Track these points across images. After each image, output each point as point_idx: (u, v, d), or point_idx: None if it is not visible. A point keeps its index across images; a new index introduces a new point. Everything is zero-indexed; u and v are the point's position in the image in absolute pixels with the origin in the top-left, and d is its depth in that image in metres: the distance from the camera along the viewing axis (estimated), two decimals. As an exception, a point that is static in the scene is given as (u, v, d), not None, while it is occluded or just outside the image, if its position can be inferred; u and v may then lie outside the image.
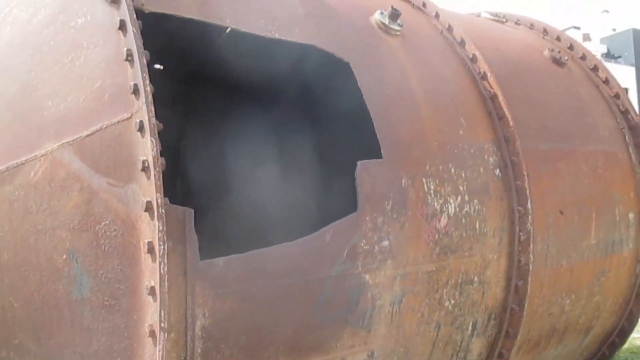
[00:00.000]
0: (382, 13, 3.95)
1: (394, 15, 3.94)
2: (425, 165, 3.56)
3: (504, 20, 5.82)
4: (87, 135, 2.67)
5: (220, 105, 5.30)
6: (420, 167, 3.53)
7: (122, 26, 2.65)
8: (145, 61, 2.55)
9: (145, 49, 2.59)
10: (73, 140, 2.71)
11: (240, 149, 5.26)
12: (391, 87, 3.65)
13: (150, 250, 2.42)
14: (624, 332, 5.17)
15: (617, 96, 5.27)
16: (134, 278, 2.50)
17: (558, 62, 5.09)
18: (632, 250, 4.91)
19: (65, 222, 2.67)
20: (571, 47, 5.54)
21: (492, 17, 5.84)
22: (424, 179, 3.52)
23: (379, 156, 3.33)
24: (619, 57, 46.84)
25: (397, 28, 3.94)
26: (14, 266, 2.82)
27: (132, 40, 2.59)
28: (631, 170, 5.00)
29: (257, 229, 5.10)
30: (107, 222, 2.58)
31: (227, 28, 3.16)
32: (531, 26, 5.83)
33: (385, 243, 3.29)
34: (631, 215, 4.89)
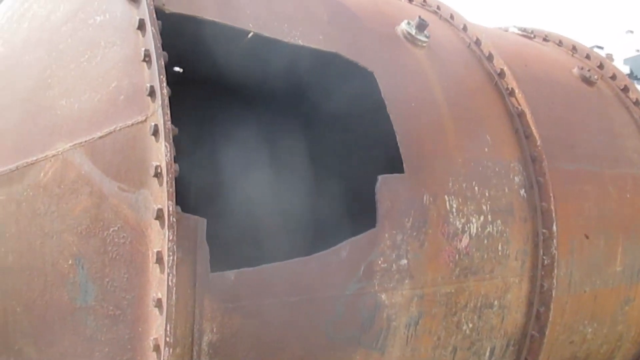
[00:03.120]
0: (409, 23, 3.83)
1: (421, 26, 3.82)
2: (448, 182, 3.42)
3: (532, 35, 5.67)
4: (100, 137, 2.58)
5: (211, 106, 5.20)
6: (442, 183, 3.39)
7: (141, 26, 2.56)
8: (163, 63, 2.46)
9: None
10: (85, 141, 2.61)
11: (231, 150, 5.18)
12: (415, 100, 3.52)
13: (159, 260, 2.31)
14: (646, 364, 4.96)
15: (648, 118, 5.09)
16: (140, 288, 2.39)
17: (587, 80, 4.93)
18: (659, 279, 4.71)
19: (72, 226, 2.57)
20: (601, 66, 5.38)
21: (520, 32, 5.69)
22: (446, 197, 3.38)
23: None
24: (642, 78, 46.18)
25: (424, 39, 3.82)
26: (18, 269, 2.72)
27: (150, 40, 2.50)
28: (661, 195, 4.80)
29: (249, 231, 5.05)
30: (116, 228, 2.48)
31: (249, 32, 3.06)
32: (560, 43, 5.67)
33: (404, 262, 3.15)
34: (659, 243, 4.70)
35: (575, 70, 4.99)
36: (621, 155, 4.66)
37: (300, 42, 3.20)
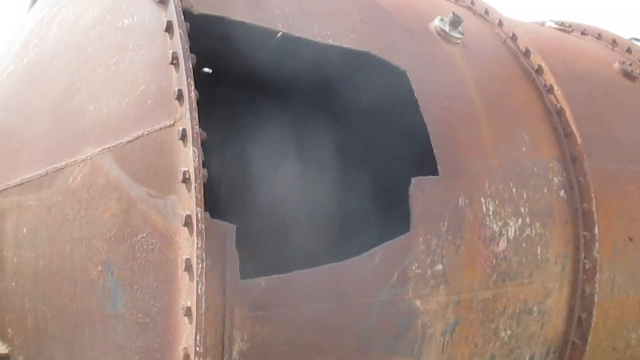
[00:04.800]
0: (442, 19, 3.72)
1: (455, 22, 3.69)
2: (484, 184, 3.30)
3: (570, 29, 5.47)
4: (128, 142, 2.54)
5: (239, 101, 5.17)
6: (479, 185, 3.27)
7: (168, 28, 2.51)
8: (190, 65, 2.40)
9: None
10: (114, 146, 2.58)
11: (260, 144, 5.16)
12: (449, 98, 3.41)
13: (188, 267, 2.26)
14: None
15: (693, 114, 4.85)
16: (169, 296, 2.35)
17: (629, 75, 4.73)
18: None
19: (102, 232, 2.54)
20: (643, 60, 5.15)
21: (556, 27, 5.50)
22: (482, 199, 3.26)
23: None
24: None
25: (458, 36, 3.70)
26: (49, 275, 2.71)
27: (178, 42, 2.44)
28: None
29: (277, 226, 5.02)
30: (145, 234, 2.43)
31: (278, 32, 2.99)
32: (599, 36, 5.45)
33: (439, 267, 3.05)
34: None
35: (616, 65, 4.78)
36: (665, 153, 4.45)
37: (331, 42, 3.12)
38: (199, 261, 2.22)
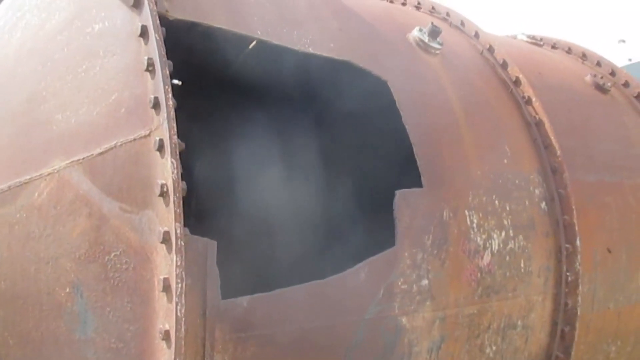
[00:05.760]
0: (421, 30, 3.66)
1: (434, 32, 3.65)
2: (468, 196, 3.23)
3: (541, 43, 5.52)
4: (100, 154, 2.38)
5: (224, 105, 5.07)
6: (462, 198, 3.20)
7: (143, 33, 2.37)
8: (168, 72, 2.27)
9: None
10: (83, 158, 2.41)
11: (244, 149, 5.09)
12: (431, 110, 3.34)
13: (166, 288, 2.11)
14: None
15: (663, 126, 4.92)
16: (145, 319, 2.18)
17: (601, 88, 4.77)
18: (680, 293, 4.53)
19: (70, 251, 2.36)
20: (613, 73, 5.22)
21: (528, 40, 5.54)
22: (466, 212, 3.19)
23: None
24: (635, 87, 46.35)
25: (437, 46, 3.65)
26: (11, 298, 2.50)
27: (154, 48, 2.31)
28: (679, 206, 4.63)
29: (262, 230, 4.94)
30: (118, 252, 2.27)
31: (254, 40, 2.88)
32: (569, 50, 5.52)
33: (425, 282, 2.95)
34: (680, 256, 4.52)
35: (588, 78, 4.83)
36: (639, 165, 4.49)
37: (311, 50, 3.03)
38: (179, 281, 2.08)
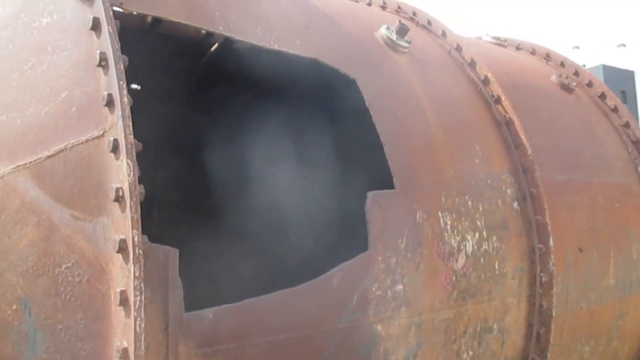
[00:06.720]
0: (388, 28, 3.57)
1: (402, 30, 3.56)
2: (440, 198, 3.14)
3: (506, 44, 5.51)
4: (49, 157, 2.19)
5: (237, 98, 4.94)
6: (435, 199, 3.11)
7: (95, 26, 2.19)
8: (122, 67, 2.09)
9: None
10: (31, 162, 2.21)
11: (258, 144, 5.01)
12: (401, 109, 3.25)
13: (123, 301, 1.93)
14: (640, 381, 4.76)
15: (627, 125, 4.96)
16: (101, 336, 2.00)
17: (567, 88, 4.77)
18: (649, 290, 4.54)
19: (17, 264, 2.16)
20: (577, 74, 5.24)
21: (493, 41, 5.53)
22: (440, 213, 3.09)
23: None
24: (590, 91, 47.67)
25: (406, 45, 3.56)
26: (-50, 317, 2.27)
27: (107, 42, 2.13)
28: (646, 203, 4.65)
29: (275, 226, 4.88)
30: (70, 264, 2.08)
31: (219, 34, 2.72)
32: (533, 51, 5.52)
33: (399, 287, 2.84)
34: (648, 253, 4.53)
35: (553, 78, 4.82)
36: (606, 163, 4.50)
37: (276, 47, 2.89)
38: (137, 293, 1.90)
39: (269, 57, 3.04)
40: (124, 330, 1.93)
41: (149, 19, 3.89)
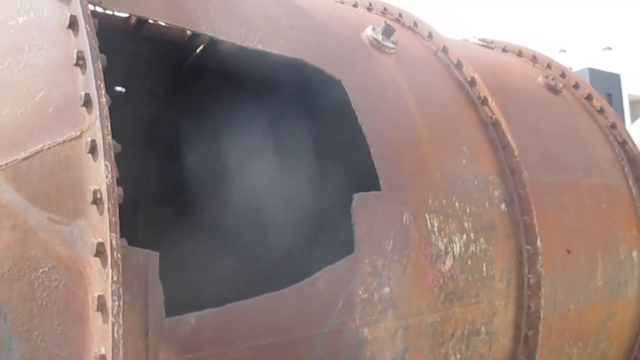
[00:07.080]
0: (374, 29, 3.54)
1: (388, 31, 3.53)
2: (427, 199, 3.10)
3: (492, 46, 5.51)
4: (25, 159, 2.12)
5: (216, 95, 4.90)
6: (422, 201, 3.07)
7: (72, 24, 2.14)
8: (100, 66, 2.04)
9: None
10: (6, 164, 2.15)
11: (236, 139, 4.97)
12: (388, 110, 3.21)
13: (101, 306, 1.87)
14: (628, 382, 4.75)
15: (613, 126, 4.97)
16: (79, 343, 1.94)
17: (553, 89, 4.77)
18: (636, 291, 4.54)
19: (-9, 269, 2.08)
20: (563, 75, 5.25)
21: (479, 43, 5.52)
22: (426, 215, 3.06)
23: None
24: (576, 95, 48.11)
25: (392, 46, 3.54)
26: None
27: (84, 40, 2.08)
28: (633, 205, 4.66)
29: (253, 221, 4.85)
30: (46, 269, 2.02)
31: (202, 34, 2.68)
32: (519, 53, 5.53)
33: (386, 290, 2.80)
34: (635, 254, 4.53)
35: (540, 79, 4.83)
36: (593, 165, 4.49)
37: (260, 47, 2.85)
38: (115, 298, 1.85)
39: (251, 57, 3.00)
40: (102, 336, 1.88)
41: (133, 20, 3.85)
